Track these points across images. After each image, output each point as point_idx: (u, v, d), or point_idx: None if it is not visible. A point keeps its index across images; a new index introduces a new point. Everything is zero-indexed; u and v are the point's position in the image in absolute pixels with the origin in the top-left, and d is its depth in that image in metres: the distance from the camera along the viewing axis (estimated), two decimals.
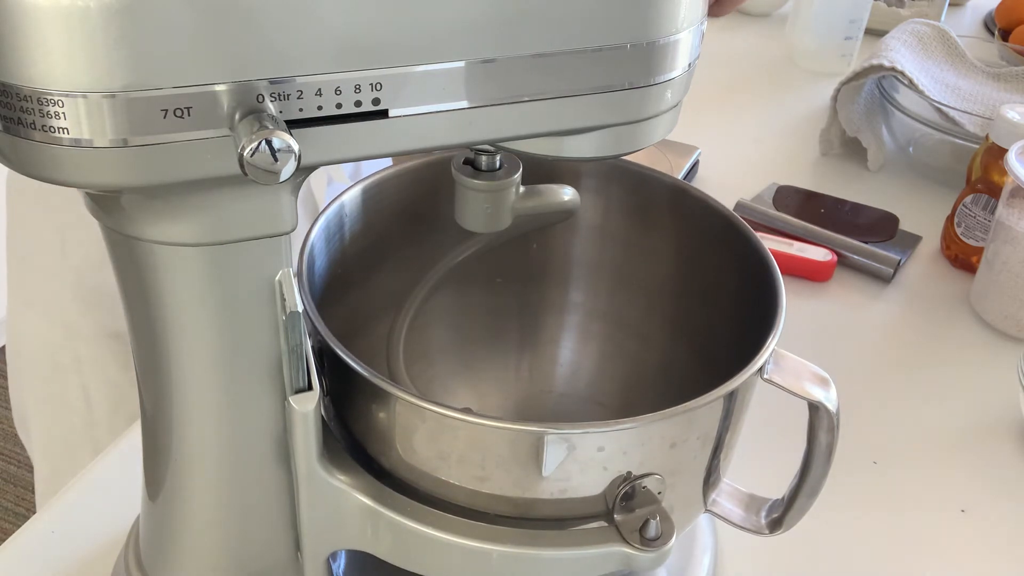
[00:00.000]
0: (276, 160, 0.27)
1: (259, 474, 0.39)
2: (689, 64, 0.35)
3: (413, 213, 0.51)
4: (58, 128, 0.27)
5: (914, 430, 0.64)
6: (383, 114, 0.31)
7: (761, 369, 0.40)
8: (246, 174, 0.27)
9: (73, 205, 0.64)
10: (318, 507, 0.40)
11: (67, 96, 0.27)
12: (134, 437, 0.58)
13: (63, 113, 0.27)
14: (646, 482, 0.39)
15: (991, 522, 0.58)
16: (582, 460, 0.37)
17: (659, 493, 0.40)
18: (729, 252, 0.47)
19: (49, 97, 0.27)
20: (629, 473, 0.39)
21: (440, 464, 0.39)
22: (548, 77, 0.32)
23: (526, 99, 0.32)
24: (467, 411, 0.46)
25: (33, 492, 0.79)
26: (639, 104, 0.34)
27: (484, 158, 0.41)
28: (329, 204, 0.46)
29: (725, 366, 0.40)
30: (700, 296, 0.51)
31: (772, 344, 0.40)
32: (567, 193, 0.45)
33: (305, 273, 0.42)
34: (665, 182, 0.50)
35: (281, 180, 0.27)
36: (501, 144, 0.34)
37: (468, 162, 0.41)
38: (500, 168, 0.41)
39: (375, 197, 0.49)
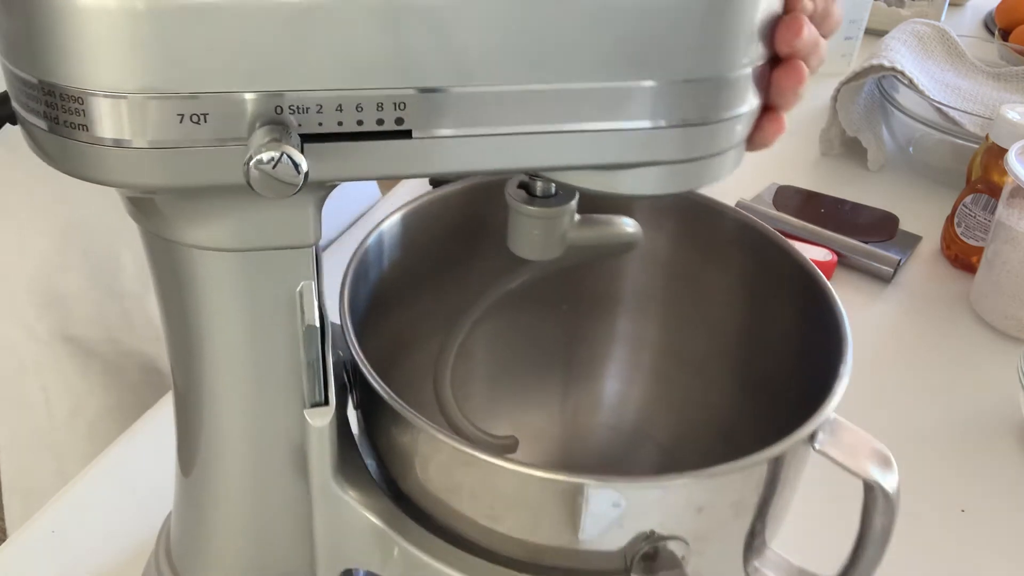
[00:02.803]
0: (283, 174, 0.27)
1: (280, 481, 0.39)
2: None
3: (463, 233, 0.49)
4: (88, 127, 0.27)
5: (914, 430, 0.64)
6: (406, 134, 0.29)
7: (812, 437, 0.36)
8: (250, 185, 0.27)
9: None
10: (330, 521, 0.40)
11: (109, 96, 0.27)
12: (133, 436, 0.58)
13: (94, 112, 0.27)
14: (670, 544, 0.36)
15: (991, 522, 0.58)
16: (595, 513, 0.35)
17: (682, 558, 0.37)
18: (802, 302, 0.44)
19: (92, 97, 0.27)
20: (652, 532, 0.36)
21: (453, 497, 0.38)
22: (598, 108, 0.30)
23: (570, 129, 0.30)
24: (510, 440, 0.45)
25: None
26: (709, 139, 0.32)
27: (539, 183, 0.39)
28: (382, 221, 0.45)
29: (790, 416, 0.37)
30: (766, 341, 0.48)
31: (827, 411, 0.37)
32: (629, 225, 0.42)
33: (348, 288, 0.41)
34: (736, 218, 0.48)
35: (288, 195, 0.27)
36: (542, 174, 0.33)
37: (523, 186, 0.39)
38: (555, 194, 0.39)
39: (423, 218, 0.47)
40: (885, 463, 0.37)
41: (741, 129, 0.33)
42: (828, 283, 0.43)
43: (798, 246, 0.76)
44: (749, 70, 0.31)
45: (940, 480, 0.60)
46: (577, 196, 0.39)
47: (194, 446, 0.40)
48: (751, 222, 0.47)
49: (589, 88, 0.30)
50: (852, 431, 0.38)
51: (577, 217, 0.40)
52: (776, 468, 0.37)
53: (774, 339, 0.48)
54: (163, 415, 0.60)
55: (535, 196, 0.39)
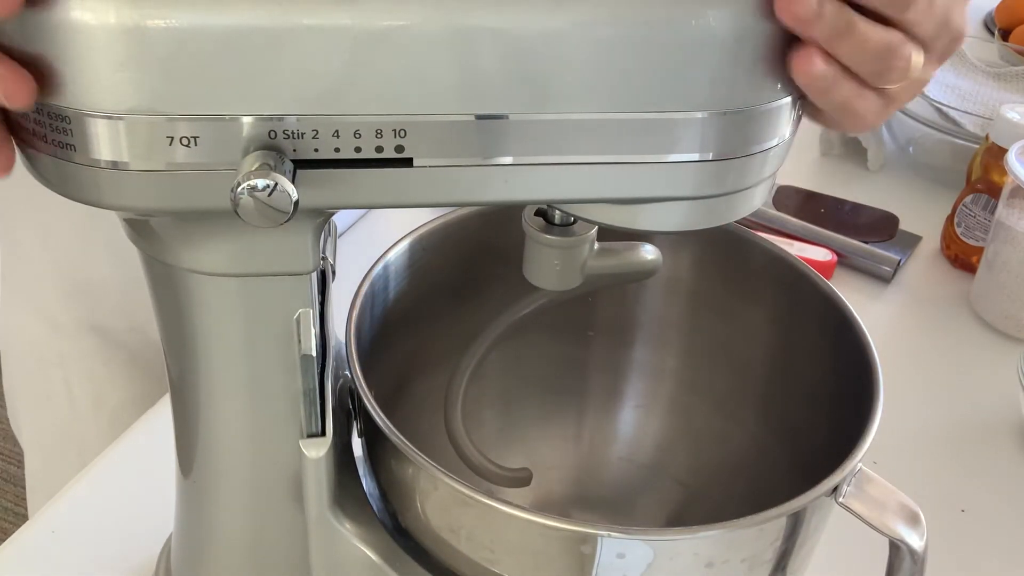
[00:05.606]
0: (273, 203, 0.26)
1: (277, 507, 0.39)
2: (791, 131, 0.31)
3: (474, 259, 0.48)
4: (88, 149, 0.27)
5: (914, 430, 0.64)
6: (407, 162, 0.28)
7: (836, 489, 0.35)
8: (236, 212, 0.26)
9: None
10: (326, 551, 0.39)
11: (99, 117, 0.26)
12: (133, 436, 0.58)
13: (93, 134, 0.27)
14: None
15: (991, 522, 0.57)
16: (598, 563, 0.34)
17: None
18: (834, 341, 0.43)
19: (83, 117, 0.26)
20: None
21: (452, 536, 0.37)
22: (619, 140, 0.29)
23: (585, 162, 0.29)
24: (523, 473, 0.43)
25: None
26: (739, 174, 0.30)
27: (558, 211, 0.37)
28: (393, 245, 0.45)
29: (816, 456, 0.36)
30: (792, 379, 0.47)
31: (853, 463, 0.35)
32: (648, 252, 0.40)
33: (356, 316, 0.40)
34: (766, 248, 0.46)
35: (274, 225, 0.26)
36: (554, 207, 0.32)
37: (540, 213, 0.38)
38: (574, 222, 0.37)
39: (440, 240, 0.46)
40: (913, 520, 0.35)
41: (772, 163, 0.31)
42: (862, 324, 0.41)
43: (798, 246, 0.77)
44: (783, 102, 0.30)
45: (940, 480, 0.60)
46: (597, 225, 0.38)
47: (192, 464, 0.39)
48: (782, 254, 0.46)
49: (608, 119, 0.28)
50: (879, 484, 0.36)
51: (596, 245, 0.39)
52: (796, 522, 0.35)
53: (800, 377, 0.46)
54: (163, 418, 0.60)
55: (553, 224, 0.38)
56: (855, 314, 0.42)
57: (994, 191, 0.75)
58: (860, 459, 0.35)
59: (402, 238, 0.45)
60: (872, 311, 0.75)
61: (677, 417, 0.53)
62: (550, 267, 0.38)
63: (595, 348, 0.53)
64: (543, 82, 0.28)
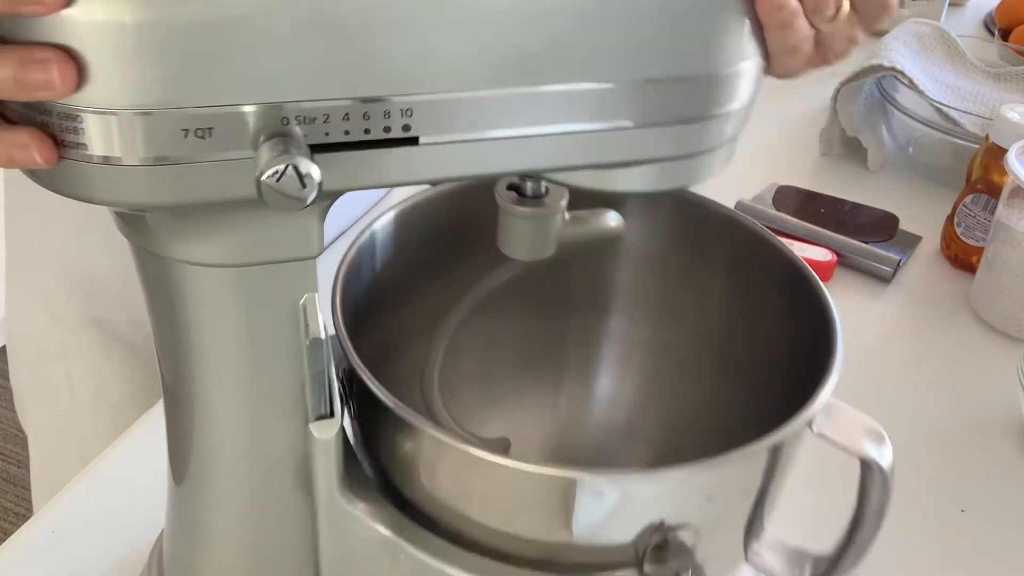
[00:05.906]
0: (295, 187, 0.26)
1: (281, 497, 0.39)
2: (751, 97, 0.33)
3: (453, 235, 0.49)
4: (87, 145, 0.27)
5: (914, 430, 0.64)
6: (413, 141, 0.29)
7: (811, 421, 0.37)
8: (263, 200, 0.27)
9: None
10: (337, 535, 0.39)
11: (97, 113, 0.26)
12: (133, 436, 0.58)
13: (92, 130, 0.27)
14: (680, 533, 0.37)
15: (991, 522, 0.58)
16: (608, 507, 0.36)
17: (692, 546, 0.38)
18: (789, 295, 0.45)
19: (79, 113, 0.26)
20: (662, 523, 0.36)
21: (462, 500, 0.37)
22: (594, 109, 0.31)
23: (571, 131, 0.31)
24: (502, 442, 0.44)
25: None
26: (699, 137, 0.32)
27: (530, 184, 0.39)
28: (367, 227, 0.45)
29: (777, 410, 0.37)
30: (753, 335, 0.49)
31: (824, 395, 0.38)
32: (612, 219, 0.43)
33: (340, 294, 0.41)
34: (721, 212, 0.48)
35: (300, 208, 0.27)
36: (541, 175, 0.33)
37: (513, 187, 0.40)
38: (546, 194, 0.39)
39: (414, 219, 0.47)
40: (879, 439, 0.38)
41: (732, 126, 0.33)
42: (817, 278, 0.44)
43: (798, 246, 0.77)
44: (741, 66, 0.32)
45: (940, 480, 0.60)
46: (567, 196, 0.40)
47: (187, 460, 0.39)
48: (740, 219, 0.48)
49: (589, 89, 0.30)
50: (847, 412, 0.39)
51: (567, 215, 0.41)
52: (779, 452, 0.37)
53: (764, 335, 0.48)
54: (163, 417, 0.60)
55: (526, 196, 0.39)
56: (811, 272, 0.44)
57: (994, 191, 0.75)
58: (831, 391, 0.38)
59: (381, 214, 0.46)
60: (872, 311, 0.75)
61: (649, 383, 0.54)
62: (525, 238, 0.40)
63: (570, 319, 0.55)
64: (534, 58, 0.29)
